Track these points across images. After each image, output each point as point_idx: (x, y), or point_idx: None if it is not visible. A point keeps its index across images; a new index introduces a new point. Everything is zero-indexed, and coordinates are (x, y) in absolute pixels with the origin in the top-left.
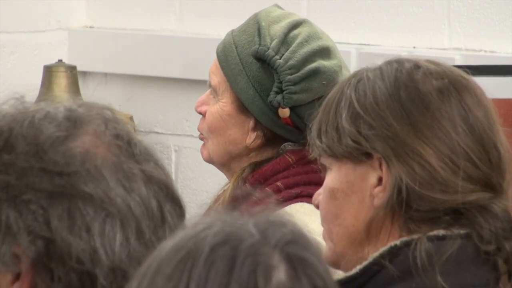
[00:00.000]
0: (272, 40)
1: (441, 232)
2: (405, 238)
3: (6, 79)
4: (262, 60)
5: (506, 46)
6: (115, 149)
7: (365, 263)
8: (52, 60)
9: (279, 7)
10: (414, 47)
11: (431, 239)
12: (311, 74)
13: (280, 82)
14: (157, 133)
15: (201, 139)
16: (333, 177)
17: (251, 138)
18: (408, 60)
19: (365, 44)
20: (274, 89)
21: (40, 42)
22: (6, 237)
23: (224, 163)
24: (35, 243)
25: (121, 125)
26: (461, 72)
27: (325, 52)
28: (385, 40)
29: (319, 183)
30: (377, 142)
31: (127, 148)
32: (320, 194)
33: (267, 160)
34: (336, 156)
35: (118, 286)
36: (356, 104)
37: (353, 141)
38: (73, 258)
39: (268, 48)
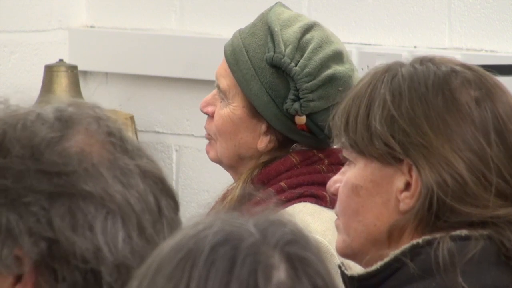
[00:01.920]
0: (286, 46)
1: (464, 232)
2: (427, 237)
3: (7, 78)
4: (277, 67)
5: (506, 45)
6: (109, 146)
7: (386, 259)
8: (53, 60)
9: (283, 5)
10: (415, 47)
11: (453, 238)
12: (327, 81)
13: (297, 90)
14: (158, 132)
15: (208, 138)
16: (357, 174)
17: (263, 142)
18: (444, 63)
19: (366, 44)
20: (291, 96)
21: (41, 41)
22: (6, 240)
23: (232, 165)
24: (38, 244)
25: (112, 122)
26: (496, 81)
27: (338, 57)
28: (386, 39)
29: (322, 183)
30: (411, 149)
31: (121, 144)
32: (337, 182)
33: (275, 160)
34: (363, 153)
35: (123, 282)
36: (391, 106)
37: (385, 144)
38: (77, 257)
39: (284, 55)
